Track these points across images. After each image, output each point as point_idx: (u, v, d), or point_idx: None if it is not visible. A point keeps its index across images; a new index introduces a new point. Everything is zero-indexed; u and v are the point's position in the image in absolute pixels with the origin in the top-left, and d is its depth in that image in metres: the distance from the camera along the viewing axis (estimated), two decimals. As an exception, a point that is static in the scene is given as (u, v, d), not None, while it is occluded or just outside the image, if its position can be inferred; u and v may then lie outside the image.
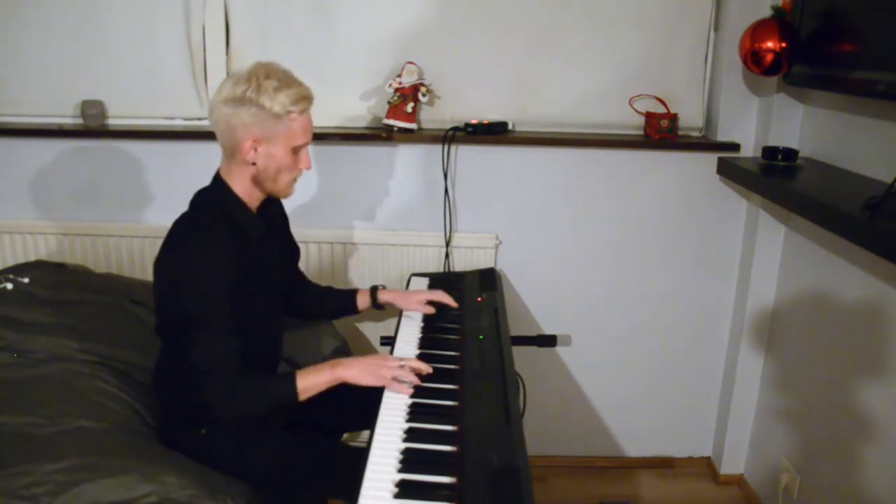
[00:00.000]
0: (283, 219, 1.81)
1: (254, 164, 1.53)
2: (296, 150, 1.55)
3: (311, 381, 1.52)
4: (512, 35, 2.28)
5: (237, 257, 1.51)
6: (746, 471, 2.53)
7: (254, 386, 1.52)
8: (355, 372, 1.53)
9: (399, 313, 1.96)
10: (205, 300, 1.46)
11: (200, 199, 1.59)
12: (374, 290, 1.95)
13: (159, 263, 1.54)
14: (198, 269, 1.46)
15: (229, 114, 1.49)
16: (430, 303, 1.94)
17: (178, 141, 2.31)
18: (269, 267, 1.68)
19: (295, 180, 1.61)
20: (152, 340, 1.84)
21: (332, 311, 1.99)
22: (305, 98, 1.53)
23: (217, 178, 1.58)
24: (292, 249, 1.88)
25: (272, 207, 1.69)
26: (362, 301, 1.94)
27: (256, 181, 1.56)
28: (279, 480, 1.60)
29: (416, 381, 1.55)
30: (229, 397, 1.48)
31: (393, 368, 1.54)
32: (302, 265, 2.35)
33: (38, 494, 1.36)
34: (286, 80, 1.51)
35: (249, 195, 1.58)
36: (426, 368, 1.58)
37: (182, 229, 1.54)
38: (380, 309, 1.98)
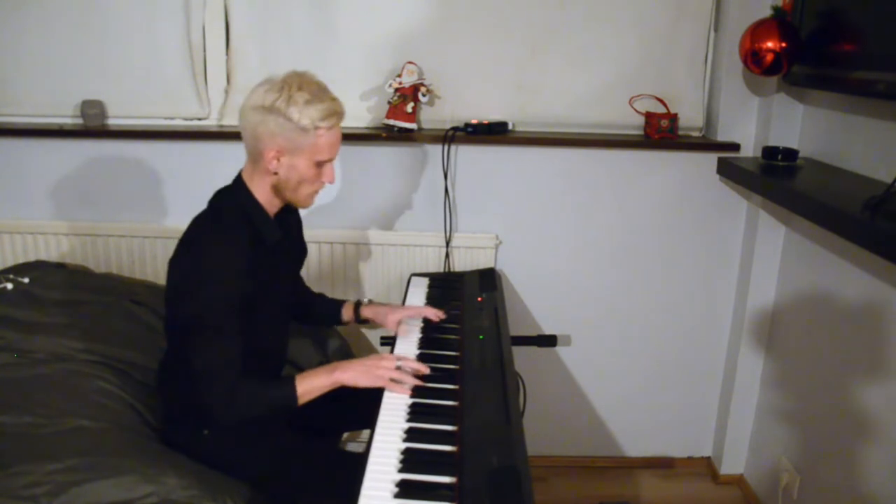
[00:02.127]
0: (298, 224, 1.80)
1: (275, 173, 1.52)
2: (319, 164, 1.53)
3: (310, 385, 1.52)
4: (512, 35, 2.28)
5: (253, 262, 1.50)
6: (746, 471, 2.53)
7: (254, 391, 1.52)
8: (352, 374, 1.53)
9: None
10: (214, 304, 1.45)
11: (220, 198, 1.58)
12: (357, 305, 1.91)
13: (174, 261, 1.53)
14: (211, 273, 1.45)
15: (257, 121, 1.47)
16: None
17: (178, 141, 2.31)
18: (282, 272, 1.67)
19: (316, 192, 1.60)
20: (152, 340, 1.84)
21: (319, 318, 1.96)
22: (336, 114, 1.50)
23: (238, 180, 1.57)
24: (302, 251, 1.87)
25: (290, 213, 1.68)
26: (346, 314, 1.92)
27: (276, 190, 1.55)
28: (280, 483, 1.60)
29: (413, 381, 1.55)
30: (229, 403, 1.47)
31: (390, 369, 1.55)
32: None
33: (38, 494, 1.36)
34: (318, 93, 1.48)
35: (269, 201, 1.57)
36: (424, 369, 1.58)
37: (200, 229, 1.53)
38: (363, 323, 1.93)
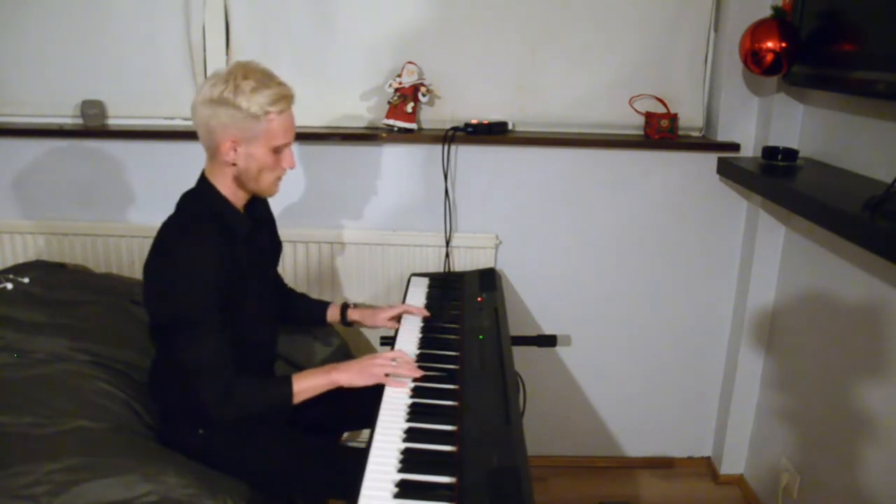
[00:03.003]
0: (270, 220, 1.80)
1: (234, 164, 1.52)
2: (277, 150, 1.53)
3: (306, 385, 1.53)
4: (512, 35, 2.27)
5: (227, 257, 1.51)
6: (746, 471, 2.53)
7: (250, 388, 1.52)
8: (349, 375, 1.54)
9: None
10: (195, 304, 1.46)
11: (186, 200, 1.58)
12: (343, 308, 1.92)
13: (148, 267, 1.53)
14: (186, 273, 1.45)
15: (208, 115, 1.47)
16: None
17: (178, 141, 2.31)
18: (260, 264, 1.67)
19: (279, 179, 1.59)
20: (151, 340, 1.84)
21: (301, 319, 1.96)
22: (284, 98, 1.50)
23: (202, 179, 1.58)
24: (277, 247, 1.87)
25: (258, 206, 1.68)
26: (332, 315, 1.93)
27: (239, 181, 1.55)
28: (279, 480, 1.60)
29: (410, 373, 1.56)
30: (226, 400, 1.48)
31: (385, 366, 1.55)
32: (301, 265, 2.36)
33: (38, 494, 1.36)
34: (264, 79, 1.48)
35: (234, 194, 1.57)
36: (419, 373, 1.58)
37: (169, 232, 1.53)
38: (348, 326, 1.95)
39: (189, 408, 1.53)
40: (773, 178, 1.99)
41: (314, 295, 2.07)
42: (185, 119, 2.35)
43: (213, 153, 1.53)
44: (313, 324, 2.00)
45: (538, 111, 2.34)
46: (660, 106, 2.33)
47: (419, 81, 2.23)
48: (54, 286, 2.02)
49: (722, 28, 2.26)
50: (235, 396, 1.49)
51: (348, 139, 2.28)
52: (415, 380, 1.57)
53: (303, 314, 1.94)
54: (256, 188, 1.57)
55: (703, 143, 2.32)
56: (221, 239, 1.52)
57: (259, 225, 1.67)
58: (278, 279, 1.93)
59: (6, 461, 1.42)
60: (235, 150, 1.50)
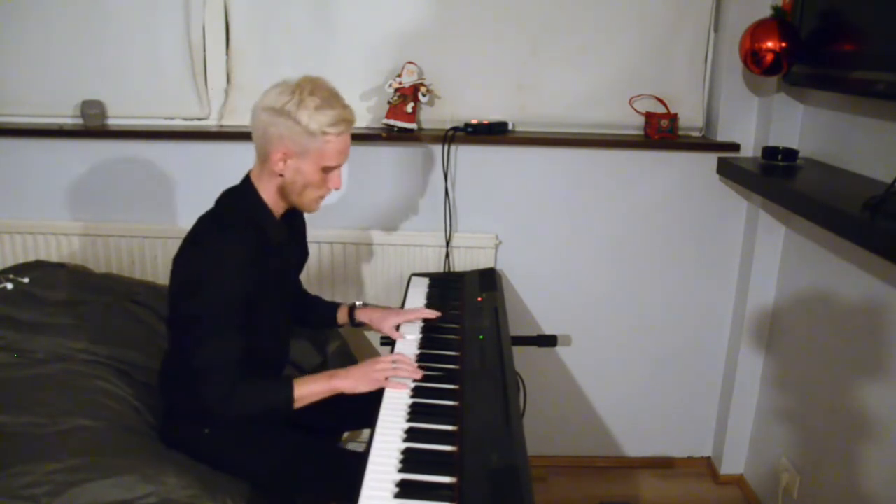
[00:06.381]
0: (302, 227, 1.80)
1: (281, 175, 1.52)
2: (326, 170, 1.54)
3: (307, 391, 1.53)
4: (512, 35, 2.28)
5: (256, 262, 1.51)
6: (746, 471, 2.53)
7: (251, 391, 1.52)
8: (350, 382, 1.54)
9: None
10: (217, 302, 1.46)
11: (227, 198, 1.59)
12: (351, 309, 1.91)
13: (179, 259, 1.54)
14: (215, 271, 1.46)
15: (267, 122, 1.48)
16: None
17: (177, 141, 2.31)
18: (284, 273, 1.68)
19: (322, 198, 1.60)
20: (152, 340, 1.85)
21: (314, 321, 1.96)
22: (345, 121, 1.51)
23: (247, 180, 1.58)
24: (303, 254, 1.87)
25: (295, 216, 1.69)
26: (341, 317, 1.91)
27: (282, 192, 1.56)
28: (280, 481, 1.60)
29: (411, 374, 1.56)
30: (226, 401, 1.48)
31: (385, 370, 1.56)
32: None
33: (38, 494, 1.36)
34: (330, 99, 1.49)
35: (275, 203, 1.58)
36: (419, 374, 1.58)
37: (205, 228, 1.53)
38: (357, 327, 1.93)
39: (196, 406, 1.53)
40: (773, 178, 1.99)
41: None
42: (186, 119, 2.35)
43: (264, 159, 1.53)
44: (325, 326, 2.00)
45: (538, 111, 2.34)
46: (660, 106, 2.33)
47: (419, 81, 2.23)
48: (54, 286, 2.02)
49: (722, 28, 2.26)
50: (236, 398, 1.49)
51: (348, 139, 2.28)
52: (415, 380, 1.57)
53: (315, 317, 1.94)
54: (298, 202, 1.58)
55: (703, 143, 2.33)
56: (254, 243, 1.52)
57: (293, 233, 1.68)
58: (298, 284, 1.93)
59: (6, 461, 1.42)
60: (285, 162, 1.51)
